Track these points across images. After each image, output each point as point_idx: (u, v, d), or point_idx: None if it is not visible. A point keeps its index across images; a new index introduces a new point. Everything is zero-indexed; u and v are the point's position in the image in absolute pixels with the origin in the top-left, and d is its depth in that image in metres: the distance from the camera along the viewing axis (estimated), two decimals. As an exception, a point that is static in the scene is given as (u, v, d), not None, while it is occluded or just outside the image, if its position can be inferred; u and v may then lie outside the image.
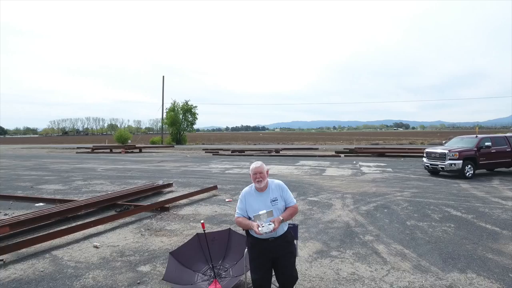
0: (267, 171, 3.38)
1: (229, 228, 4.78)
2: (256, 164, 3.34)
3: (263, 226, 3.05)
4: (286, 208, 3.31)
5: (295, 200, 3.41)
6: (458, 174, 12.83)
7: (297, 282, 4.16)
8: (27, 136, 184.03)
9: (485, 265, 4.68)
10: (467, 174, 12.67)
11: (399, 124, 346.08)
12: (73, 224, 6.40)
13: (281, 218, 3.16)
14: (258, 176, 3.25)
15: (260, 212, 3.11)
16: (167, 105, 53.77)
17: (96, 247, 5.54)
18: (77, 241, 5.88)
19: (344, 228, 6.45)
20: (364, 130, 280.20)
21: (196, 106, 53.06)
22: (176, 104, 52.09)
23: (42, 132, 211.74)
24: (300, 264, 4.73)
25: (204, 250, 4.41)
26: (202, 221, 4.06)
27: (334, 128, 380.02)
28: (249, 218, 3.26)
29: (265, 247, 3.22)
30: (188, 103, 52.48)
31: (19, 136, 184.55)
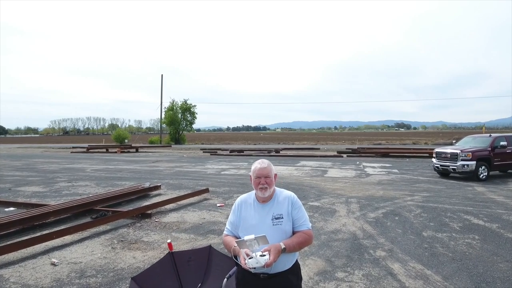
0: (275, 175, 2.34)
1: (210, 246, 3.84)
2: (261, 163, 2.29)
3: (250, 258, 2.00)
4: (294, 233, 2.26)
5: (309, 223, 2.31)
6: (471, 176, 11.87)
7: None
8: (28, 136, 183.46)
9: (529, 292, 3.74)
10: (480, 176, 11.71)
11: (401, 125, 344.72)
12: (31, 236, 5.43)
13: (283, 246, 2.09)
14: (263, 181, 2.23)
15: (245, 238, 2.03)
16: (166, 104, 52.96)
17: (53, 264, 4.62)
18: (34, 256, 4.96)
19: (350, 241, 5.51)
20: (365, 130, 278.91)
21: (195, 105, 52.19)
22: (175, 103, 51.20)
23: (43, 132, 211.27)
24: (298, 290, 3.80)
25: (178, 273, 3.49)
26: (169, 241, 3.14)
27: (335, 128, 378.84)
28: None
29: (253, 285, 2.19)
30: (187, 102, 51.60)
31: (19, 136, 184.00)
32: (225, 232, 2.38)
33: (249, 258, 2.00)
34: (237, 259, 2.25)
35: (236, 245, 2.09)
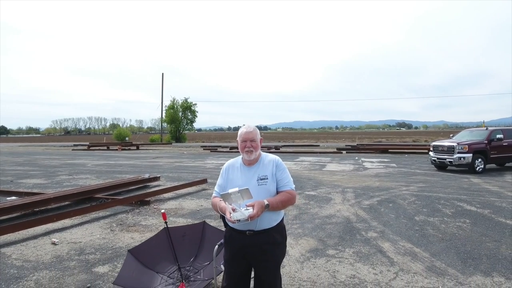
0: (261, 140, 2.47)
1: (204, 221, 3.99)
2: (247, 128, 2.42)
3: (236, 211, 2.12)
4: (278, 193, 2.37)
5: (293, 185, 2.43)
6: (468, 169, 11.97)
7: (283, 287, 3.37)
8: (29, 135, 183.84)
9: (514, 266, 3.86)
10: (477, 169, 11.81)
11: (402, 124, 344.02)
12: (31, 219, 5.59)
13: (266, 202, 2.19)
14: (249, 144, 2.35)
15: (230, 190, 2.13)
16: (167, 103, 53.05)
17: (54, 243, 4.76)
18: (36, 236, 5.10)
19: (343, 224, 5.64)
20: (367, 129, 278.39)
21: (195, 104, 52.28)
22: (175, 101, 51.34)
23: (44, 131, 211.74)
24: (290, 265, 3.94)
25: (173, 247, 3.63)
26: (163, 211, 3.27)
27: (336, 128, 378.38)
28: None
29: (240, 243, 2.30)
30: (188, 100, 51.72)
31: (21, 135, 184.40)
32: (213, 195, 2.50)
33: (235, 213, 2.13)
34: (225, 220, 2.38)
35: (221, 199, 2.21)
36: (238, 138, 2.43)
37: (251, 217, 2.08)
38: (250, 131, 2.39)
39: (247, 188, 2.11)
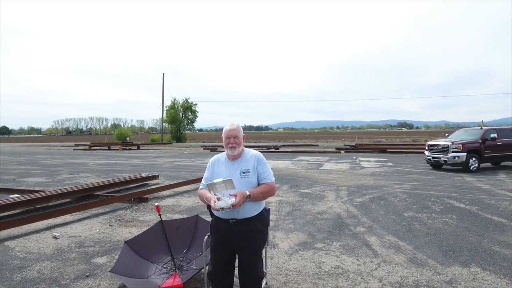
0: (244, 137, 2.70)
1: (197, 215, 4.21)
2: (231, 125, 2.64)
3: (220, 200, 2.34)
4: (259, 185, 2.58)
5: (273, 178, 2.66)
6: (462, 168, 12.15)
7: (270, 276, 3.59)
8: (31, 135, 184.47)
9: (491, 258, 4.06)
10: (471, 168, 12.00)
11: (403, 124, 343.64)
12: (33, 214, 5.82)
13: (248, 193, 2.41)
14: (232, 141, 2.57)
15: (215, 180, 2.35)
16: (168, 103, 53.33)
17: (55, 237, 4.99)
18: (38, 231, 5.33)
19: (334, 220, 5.84)
20: (368, 129, 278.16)
21: (196, 104, 52.53)
22: (176, 101, 51.61)
23: (46, 132, 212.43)
24: (278, 257, 4.15)
25: (167, 239, 3.84)
26: (156, 204, 3.49)
27: (338, 128, 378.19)
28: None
29: (224, 230, 2.52)
30: (188, 100, 51.98)
31: (23, 135, 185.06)
32: (200, 187, 2.73)
33: (219, 201, 2.35)
34: (211, 210, 2.60)
35: (207, 188, 2.43)
36: (222, 135, 2.65)
37: (233, 205, 2.31)
38: (233, 129, 2.62)
39: (230, 179, 2.34)
